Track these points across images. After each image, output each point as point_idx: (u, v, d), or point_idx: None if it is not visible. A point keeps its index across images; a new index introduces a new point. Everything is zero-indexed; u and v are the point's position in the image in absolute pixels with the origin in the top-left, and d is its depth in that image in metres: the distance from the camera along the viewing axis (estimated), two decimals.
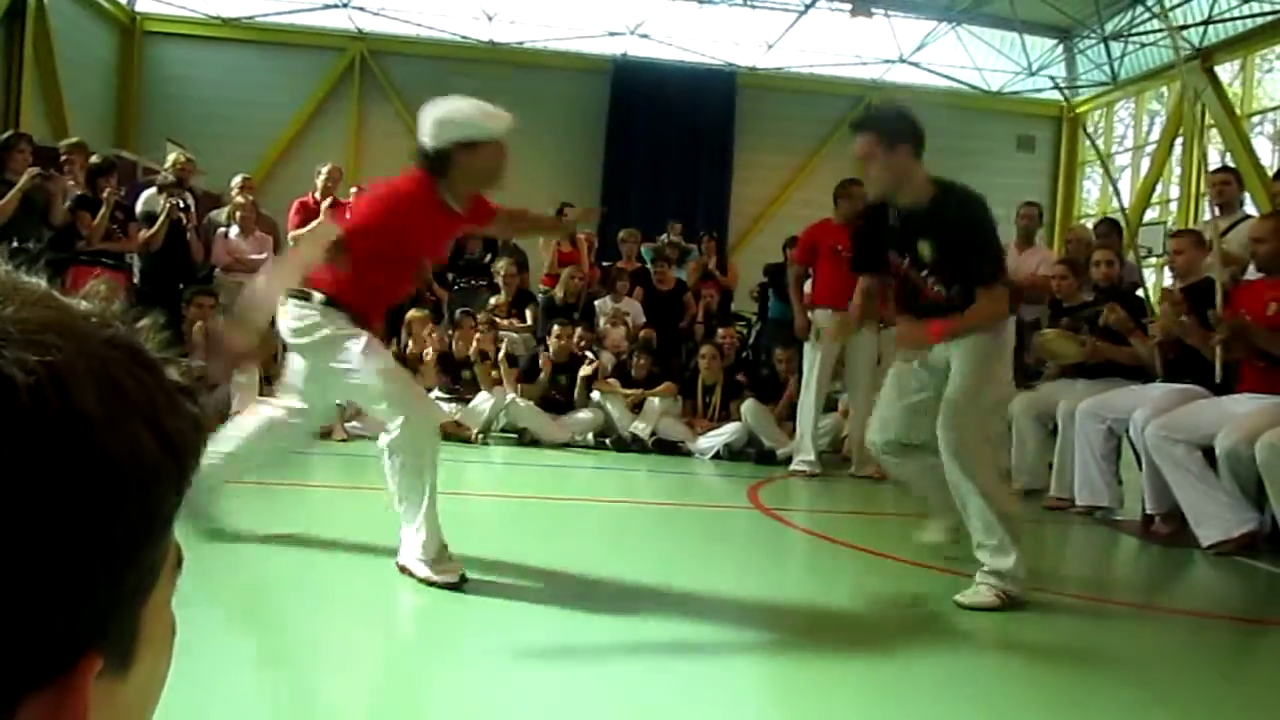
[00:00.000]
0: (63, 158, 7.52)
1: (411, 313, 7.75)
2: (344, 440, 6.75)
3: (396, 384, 3.31)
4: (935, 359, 3.57)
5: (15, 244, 6.30)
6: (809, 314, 6.86)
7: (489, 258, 9.20)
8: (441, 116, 3.46)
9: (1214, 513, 4.59)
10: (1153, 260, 11.30)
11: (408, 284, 3.94)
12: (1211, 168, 8.28)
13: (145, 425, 0.44)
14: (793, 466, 6.64)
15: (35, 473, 0.40)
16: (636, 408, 7.53)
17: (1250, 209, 6.86)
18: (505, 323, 8.35)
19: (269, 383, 7.14)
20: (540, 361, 7.69)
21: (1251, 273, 5.27)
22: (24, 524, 0.39)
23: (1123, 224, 6.85)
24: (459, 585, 3.17)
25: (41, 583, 0.40)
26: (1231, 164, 11.41)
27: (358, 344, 3.25)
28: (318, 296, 3.31)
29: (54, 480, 0.40)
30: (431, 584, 3.16)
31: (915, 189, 3.49)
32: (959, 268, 3.45)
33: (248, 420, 3.69)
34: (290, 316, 3.35)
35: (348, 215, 3.93)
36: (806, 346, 6.80)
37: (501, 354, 7.65)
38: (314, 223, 3.25)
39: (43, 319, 0.43)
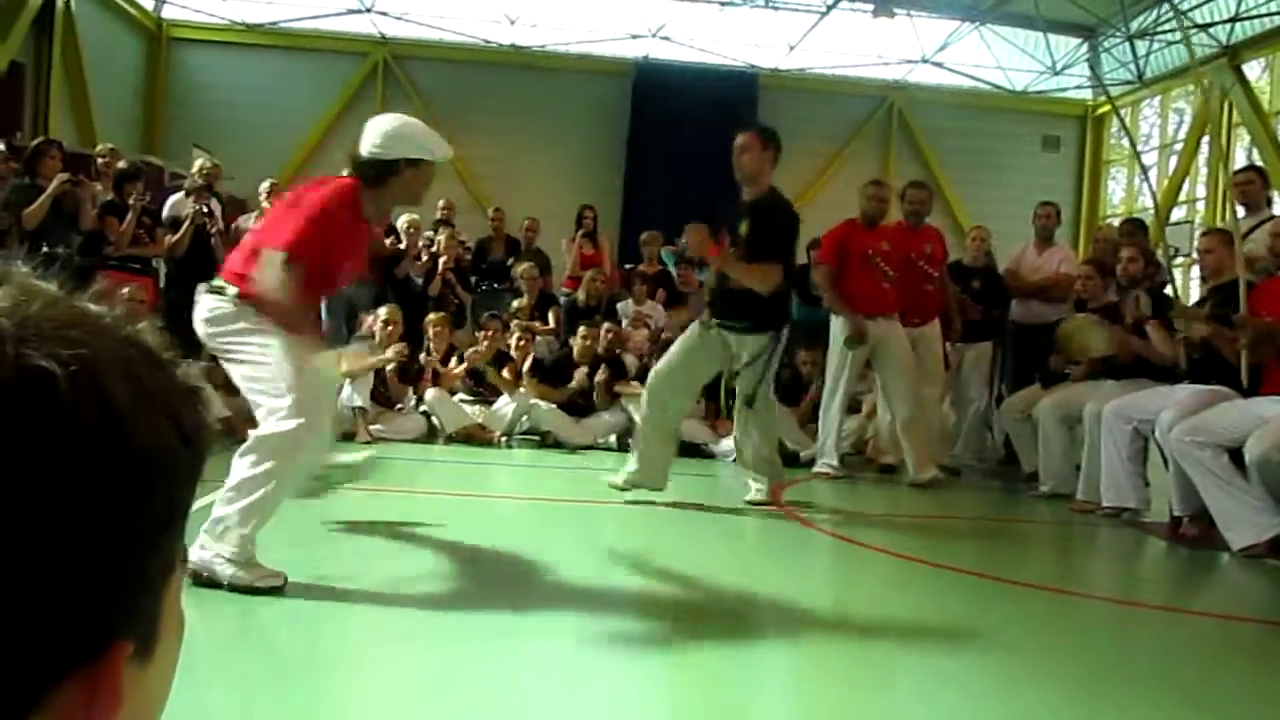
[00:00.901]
0: (100, 162, 7.61)
1: (431, 316, 7.78)
2: (367, 443, 6.79)
3: (307, 388, 3.13)
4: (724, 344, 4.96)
5: (45, 249, 6.38)
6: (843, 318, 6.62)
7: (510, 261, 9.24)
8: (393, 130, 3.43)
9: (1243, 516, 4.54)
10: (1180, 260, 11.20)
11: (328, 290, 3.93)
12: (1237, 166, 8.20)
13: (167, 419, 0.46)
14: (816, 469, 6.62)
15: (73, 463, 0.41)
16: None
17: (1279, 208, 6.78)
18: (532, 325, 8.37)
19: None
20: (572, 364, 7.69)
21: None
22: (62, 512, 0.41)
23: (1152, 222, 6.80)
24: (282, 588, 3.00)
25: (77, 568, 0.42)
26: (1259, 162, 11.30)
27: (279, 338, 3.14)
28: (232, 291, 3.24)
29: (91, 470, 0.42)
30: (241, 588, 2.94)
31: (760, 186, 4.91)
32: (755, 247, 4.82)
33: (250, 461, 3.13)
34: (204, 309, 3.31)
35: (261, 225, 3.85)
36: (834, 349, 6.66)
37: (528, 361, 7.66)
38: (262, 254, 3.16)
39: (67, 317, 0.44)
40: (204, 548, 2.98)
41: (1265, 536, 4.48)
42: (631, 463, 5.14)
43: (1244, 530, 4.52)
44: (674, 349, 5.21)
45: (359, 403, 6.92)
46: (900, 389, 6.45)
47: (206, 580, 2.94)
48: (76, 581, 0.42)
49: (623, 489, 5.07)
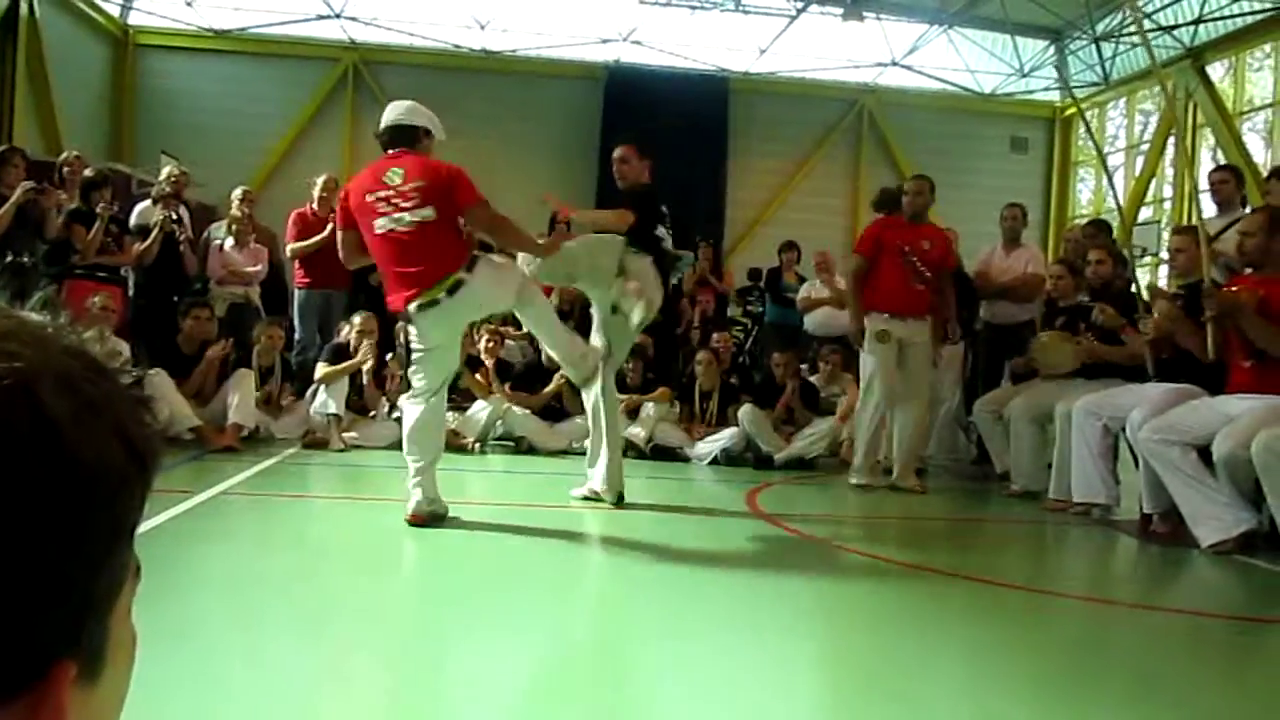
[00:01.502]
0: (66, 170, 7.52)
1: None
2: (341, 450, 6.74)
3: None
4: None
5: (10, 258, 6.30)
6: (865, 317, 6.42)
7: None
8: (414, 106, 4.59)
9: (1211, 513, 4.59)
10: (1147, 260, 11.32)
11: None
12: (1206, 166, 8.29)
13: (111, 432, 0.44)
14: (853, 482, 6.44)
15: (8, 478, 0.40)
16: (632, 414, 7.52)
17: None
18: (503, 329, 8.34)
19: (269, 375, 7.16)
20: (544, 370, 7.66)
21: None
22: None
23: (1117, 223, 6.86)
24: None
25: (14, 588, 0.40)
26: (1224, 162, 11.44)
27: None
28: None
29: (27, 486, 0.40)
30: None
31: (637, 183, 5.41)
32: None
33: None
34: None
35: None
36: (864, 354, 6.45)
37: (492, 362, 7.63)
38: (496, 215, 4.51)
39: (3, 328, 0.43)
40: None
41: (1234, 533, 4.53)
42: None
43: (1213, 527, 4.57)
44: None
45: (333, 410, 6.87)
46: (909, 394, 6.43)
47: None
48: (13, 601, 0.40)
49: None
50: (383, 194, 4.33)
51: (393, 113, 4.55)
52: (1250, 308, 4.64)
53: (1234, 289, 4.84)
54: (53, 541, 0.41)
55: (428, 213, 4.28)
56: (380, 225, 4.33)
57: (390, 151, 4.47)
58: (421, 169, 4.38)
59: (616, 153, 5.48)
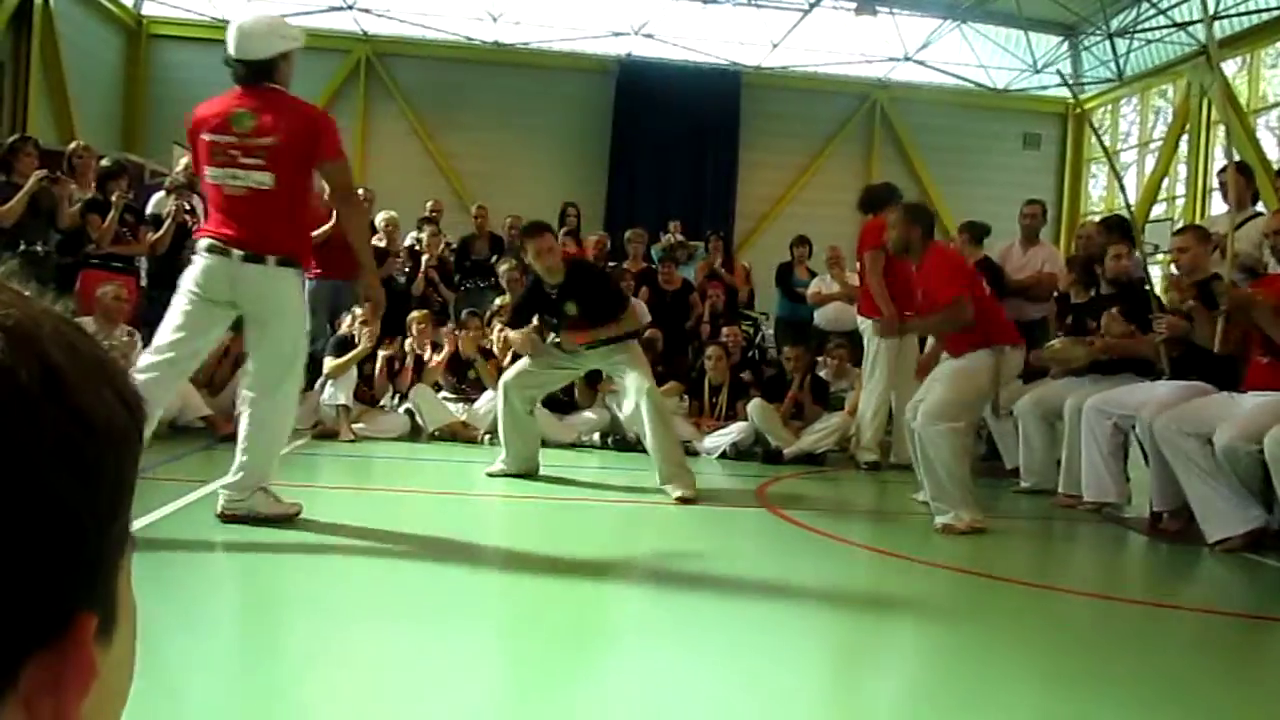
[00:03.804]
0: (76, 160, 7.55)
1: (415, 314, 7.76)
2: (351, 441, 6.77)
3: None
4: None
5: (23, 247, 6.33)
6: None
7: (494, 258, 9.22)
8: (270, 26, 3.95)
9: (1221, 509, 4.57)
10: (1159, 257, 11.27)
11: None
12: (1218, 164, 8.25)
13: (107, 385, 0.44)
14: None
15: (19, 424, 0.39)
16: None
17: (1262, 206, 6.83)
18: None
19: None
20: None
21: (1274, 265, 5.25)
22: (8, 477, 0.39)
23: (1129, 220, 6.82)
24: None
25: (30, 539, 0.39)
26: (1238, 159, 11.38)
27: None
28: None
29: (38, 432, 0.40)
30: None
31: (560, 266, 5.48)
32: (593, 312, 5.48)
33: None
34: None
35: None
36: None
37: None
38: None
39: None
40: None
41: (1241, 530, 4.52)
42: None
43: (1220, 523, 4.56)
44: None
45: (342, 401, 6.90)
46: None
47: None
48: (28, 553, 0.40)
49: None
50: (224, 139, 3.77)
51: (241, 40, 3.84)
52: (1268, 305, 4.61)
53: (1249, 290, 4.81)
54: (68, 489, 0.41)
55: (264, 179, 3.74)
56: (212, 174, 3.83)
57: (240, 88, 3.87)
58: (277, 119, 3.77)
59: (537, 244, 5.43)
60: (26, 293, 0.44)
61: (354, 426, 6.95)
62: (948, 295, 4.87)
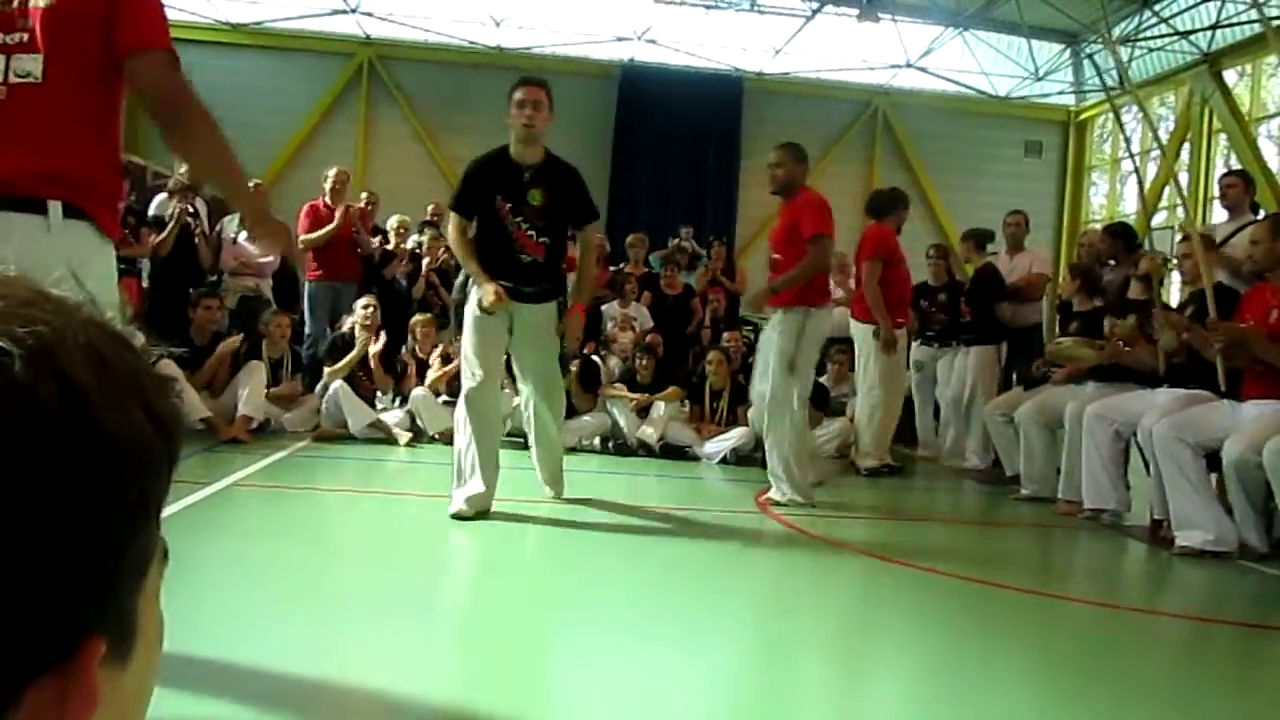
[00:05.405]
0: None
1: (417, 317, 7.77)
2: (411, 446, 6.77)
3: None
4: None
5: None
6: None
7: None
8: None
9: (1198, 522, 4.64)
10: (1170, 263, 11.29)
11: None
12: (1218, 172, 8.29)
13: (138, 405, 0.43)
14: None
15: (32, 445, 0.38)
16: (643, 413, 7.53)
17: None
18: None
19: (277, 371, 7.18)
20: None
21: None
22: (20, 498, 0.38)
23: (1134, 228, 6.91)
24: None
25: (39, 561, 0.39)
26: (1238, 166, 11.38)
27: None
28: None
29: (52, 453, 0.39)
30: None
31: (540, 146, 4.98)
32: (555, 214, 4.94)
33: None
34: None
35: None
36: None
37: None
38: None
39: (25, 295, 0.42)
40: None
41: (1207, 545, 4.60)
42: None
43: (1192, 535, 4.64)
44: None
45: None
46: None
47: None
48: (37, 576, 0.39)
49: None
50: None
51: None
52: (1261, 335, 4.65)
53: (1242, 324, 4.82)
54: (81, 510, 0.40)
55: (31, 67, 2.27)
56: None
57: None
58: None
59: (531, 91, 4.89)
60: (74, 300, 0.44)
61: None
62: (811, 230, 5.22)
